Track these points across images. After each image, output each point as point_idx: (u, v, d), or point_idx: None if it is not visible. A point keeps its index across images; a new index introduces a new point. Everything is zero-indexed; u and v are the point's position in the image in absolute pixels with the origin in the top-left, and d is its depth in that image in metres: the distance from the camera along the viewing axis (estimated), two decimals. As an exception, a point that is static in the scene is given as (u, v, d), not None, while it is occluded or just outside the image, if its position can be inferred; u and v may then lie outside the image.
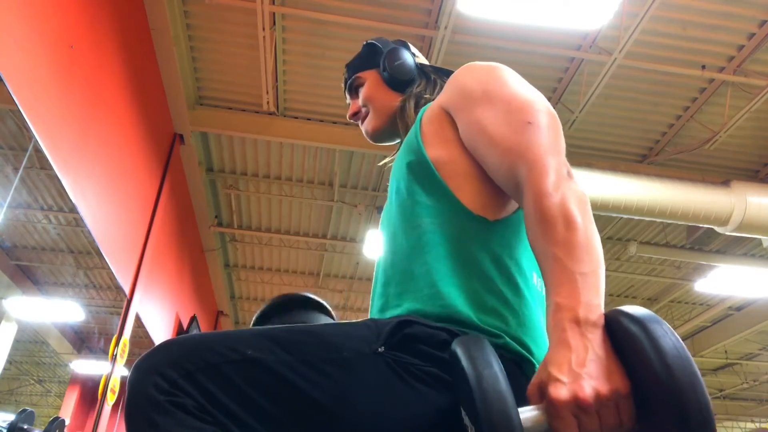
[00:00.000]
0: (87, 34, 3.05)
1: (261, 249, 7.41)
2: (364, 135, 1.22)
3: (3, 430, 3.65)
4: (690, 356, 0.60)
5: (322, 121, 5.09)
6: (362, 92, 1.21)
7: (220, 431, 0.70)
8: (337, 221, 6.67)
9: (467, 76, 0.94)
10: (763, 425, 12.81)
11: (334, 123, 5.09)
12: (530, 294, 0.88)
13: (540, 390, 0.65)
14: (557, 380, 0.63)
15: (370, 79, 1.20)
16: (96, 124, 3.30)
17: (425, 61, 1.23)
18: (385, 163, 1.23)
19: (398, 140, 1.20)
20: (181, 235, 5.72)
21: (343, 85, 1.28)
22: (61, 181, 2.87)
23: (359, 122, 1.23)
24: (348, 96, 1.26)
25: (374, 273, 1.02)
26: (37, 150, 2.67)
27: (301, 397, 0.73)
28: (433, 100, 1.08)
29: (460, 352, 0.67)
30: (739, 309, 8.13)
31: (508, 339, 0.81)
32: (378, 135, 1.20)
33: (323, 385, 0.74)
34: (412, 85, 1.16)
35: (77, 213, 3.15)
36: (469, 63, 0.98)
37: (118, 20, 3.44)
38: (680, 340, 0.61)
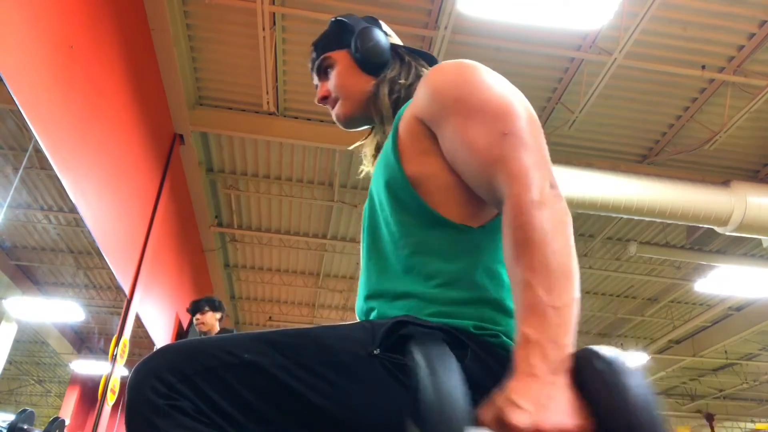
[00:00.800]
0: (87, 34, 3.05)
1: (261, 249, 7.42)
2: (335, 120, 1.14)
3: (3, 430, 3.65)
4: (654, 411, 0.59)
5: (322, 121, 5.09)
6: (332, 75, 1.12)
7: None
8: (337, 221, 6.67)
9: (438, 80, 0.88)
10: (764, 425, 12.80)
11: (334, 123, 5.07)
12: None
13: (495, 415, 0.64)
14: (520, 407, 0.61)
15: (340, 60, 1.11)
16: (96, 124, 3.30)
17: (398, 41, 1.15)
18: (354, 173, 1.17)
19: (371, 125, 1.14)
20: (181, 235, 5.72)
21: (309, 64, 1.18)
22: (61, 181, 2.87)
23: (328, 106, 1.14)
24: (316, 77, 1.16)
25: (361, 272, 1.00)
26: (37, 150, 2.67)
27: (297, 399, 0.74)
28: (408, 84, 1.04)
29: (418, 357, 0.67)
30: (739, 309, 8.13)
31: (504, 338, 0.81)
32: (350, 121, 1.12)
33: (319, 387, 0.74)
34: (386, 68, 1.07)
35: (77, 213, 3.15)
36: (439, 64, 0.92)
37: (118, 20, 3.44)
38: (650, 391, 0.60)
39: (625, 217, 4.98)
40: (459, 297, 0.83)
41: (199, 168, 5.48)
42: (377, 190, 0.95)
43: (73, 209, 3.24)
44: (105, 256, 3.61)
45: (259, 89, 4.58)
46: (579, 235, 6.60)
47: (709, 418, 12.13)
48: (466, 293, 0.84)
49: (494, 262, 0.86)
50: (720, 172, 5.49)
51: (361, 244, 1.01)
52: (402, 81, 1.05)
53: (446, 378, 0.64)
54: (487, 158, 0.79)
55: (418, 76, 1.06)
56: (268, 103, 4.56)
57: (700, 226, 5.35)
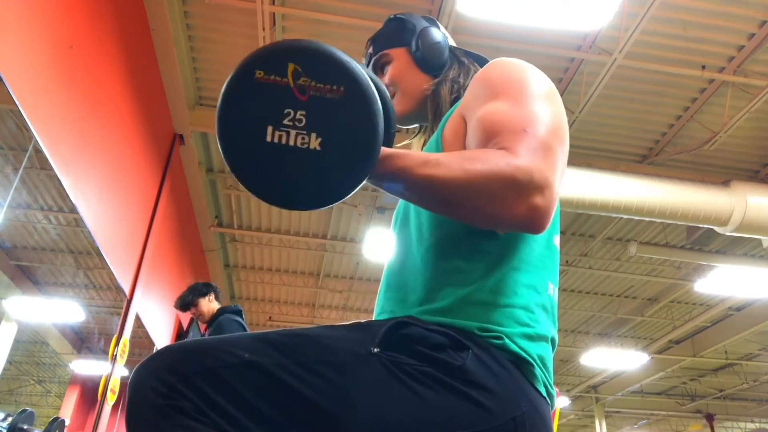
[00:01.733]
0: (87, 34, 3.05)
1: (261, 249, 7.42)
2: None
3: (3, 430, 3.65)
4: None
5: (322, 121, 5.08)
6: (389, 71, 1.12)
7: None
8: (337, 221, 6.67)
9: (492, 72, 0.91)
10: (764, 425, 12.81)
11: (334, 123, 5.08)
12: (538, 305, 0.87)
13: None
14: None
15: (399, 57, 1.12)
16: (96, 124, 3.30)
17: (454, 43, 1.16)
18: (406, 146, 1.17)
19: (423, 123, 1.15)
20: (181, 235, 5.72)
21: (365, 59, 1.18)
22: (61, 181, 2.87)
23: None
24: (371, 71, 1.17)
25: (384, 273, 1.01)
26: (37, 150, 2.67)
27: (297, 399, 0.74)
28: (465, 87, 1.05)
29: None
30: (739, 309, 8.13)
31: (507, 340, 0.81)
32: (406, 118, 1.12)
33: (319, 386, 0.74)
34: (445, 69, 1.09)
35: (77, 213, 3.15)
36: (495, 61, 0.95)
37: (118, 20, 3.44)
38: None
39: (625, 217, 4.98)
40: (470, 296, 0.84)
41: (199, 168, 5.48)
42: None
43: (73, 209, 3.23)
44: (105, 256, 3.61)
45: (259, 89, 4.57)
46: (579, 235, 6.60)
47: (709, 418, 12.13)
48: (478, 294, 0.84)
49: (511, 270, 0.86)
50: (720, 172, 5.49)
51: (393, 237, 1.02)
52: (461, 81, 1.07)
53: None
54: (493, 130, 0.80)
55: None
56: (268, 103, 4.56)
57: (700, 226, 5.35)
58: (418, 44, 1.10)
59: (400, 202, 1.03)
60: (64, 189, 2.93)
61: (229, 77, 0.73)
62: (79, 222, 6.08)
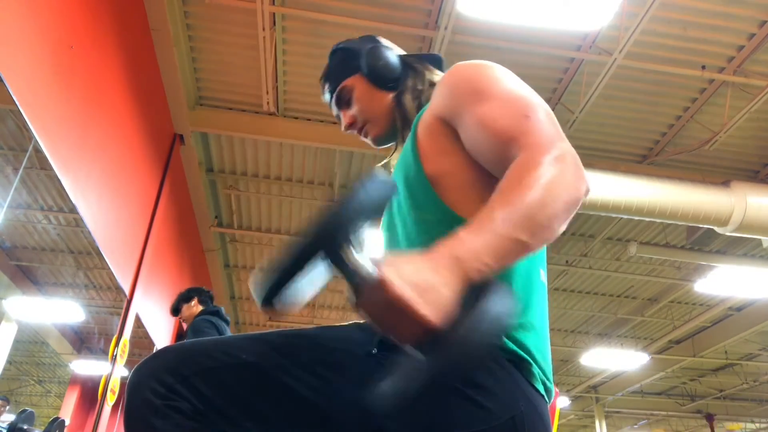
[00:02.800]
0: (87, 34, 3.05)
1: (261, 249, 7.41)
2: (370, 143, 1.16)
3: (3, 430, 3.65)
4: (493, 331, 0.60)
5: (322, 121, 5.09)
6: (354, 102, 1.13)
7: None
8: (337, 221, 6.66)
9: (457, 77, 0.90)
10: (764, 426, 12.80)
11: (334, 123, 5.09)
12: (532, 292, 0.88)
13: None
14: (394, 261, 0.62)
15: (356, 85, 1.13)
16: (96, 124, 3.30)
17: (401, 51, 1.17)
18: (385, 164, 1.19)
19: (398, 137, 1.15)
20: (181, 235, 5.72)
21: (326, 98, 1.19)
22: (61, 181, 2.87)
23: (357, 132, 1.16)
24: (336, 108, 1.17)
25: None
26: (37, 150, 2.67)
27: (295, 399, 0.74)
28: (426, 90, 1.07)
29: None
30: (739, 309, 8.13)
31: (507, 341, 0.81)
32: (383, 139, 1.14)
33: (317, 387, 0.75)
34: (401, 80, 1.10)
35: (77, 213, 3.15)
36: (456, 64, 0.94)
37: (118, 20, 3.44)
38: (500, 319, 0.60)
39: (625, 217, 4.98)
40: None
41: (199, 168, 5.48)
42: (398, 186, 0.96)
43: (73, 209, 3.23)
44: (105, 257, 3.61)
45: (259, 89, 4.58)
46: (579, 236, 6.60)
47: (709, 418, 12.13)
48: None
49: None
50: (720, 172, 5.49)
51: (383, 238, 1.02)
52: (420, 87, 1.08)
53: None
54: (508, 135, 0.79)
55: (431, 82, 1.09)
56: (268, 103, 4.56)
57: (700, 226, 5.35)
58: (369, 66, 1.11)
59: (384, 213, 1.02)
60: (64, 189, 2.93)
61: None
62: (79, 222, 6.08)
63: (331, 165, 5.70)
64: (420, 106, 1.06)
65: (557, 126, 0.80)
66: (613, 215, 4.96)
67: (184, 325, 3.66)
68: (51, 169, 2.76)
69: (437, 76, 1.11)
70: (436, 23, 4.06)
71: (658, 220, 4.93)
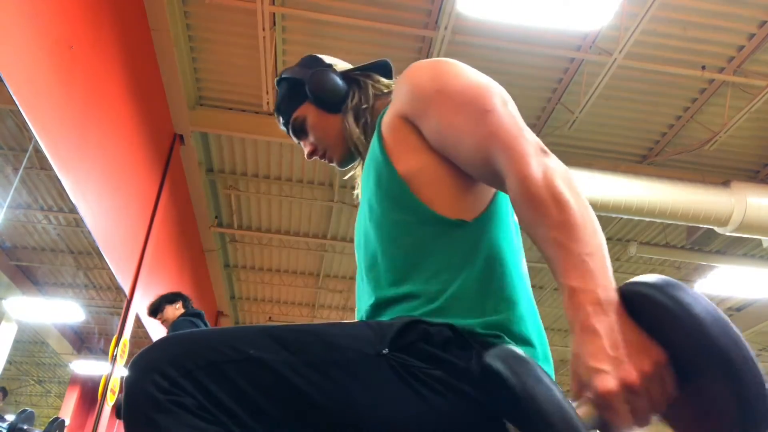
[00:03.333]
0: (87, 34, 3.05)
1: (261, 249, 7.41)
2: (335, 166, 1.17)
3: (3, 430, 3.65)
4: (721, 313, 0.59)
5: (322, 121, 5.09)
6: (308, 129, 1.15)
7: (222, 431, 0.69)
8: (338, 222, 6.67)
9: (416, 76, 0.91)
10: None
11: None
12: (521, 282, 0.88)
13: (580, 385, 0.63)
14: (600, 371, 0.60)
15: (308, 113, 1.14)
16: (96, 124, 3.30)
17: (346, 65, 1.17)
18: (351, 176, 1.19)
19: (358, 156, 1.15)
20: (181, 235, 5.72)
21: (283, 129, 1.20)
22: (61, 181, 2.87)
23: (320, 158, 1.17)
24: (295, 138, 1.19)
25: (358, 272, 1.00)
26: (37, 150, 2.67)
27: (302, 398, 0.72)
28: (372, 104, 1.08)
29: (502, 369, 0.64)
30: (738, 309, 8.13)
31: (507, 338, 0.81)
32: (346, 161, 1.15)
33: (325, 386, 0.73)
34: (347, 100, 1.10)
35: (77, 213, 3.15)
36: (413, 63, 0.94)
37: (118, 20, 3.44)
38: (707, 299, 0.60)
39: (625, 217, 4.98)
40: (460, 293, 0.83)
41: (199, 168, 5.48)
42: (367, 196, 0.96)
43: (73, 209, 3.23)
44: (105, 257, 3.61)
45: (259, 89, 4.58)
46: (579, 236, 6.59)
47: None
48: (466, 289, 0.83)
49: (493, 253, 0.86)
50: (720, 173, 5.49)
51: (357, 260, 1.01)
52: (365, 105, 1.09)
53: (539, 383, 0.61)
54: (477, 137, 0.81)
55: (377, 94, 1.10)
56: (268, 103, 4.56)
57: (700, 226, 5.35)
58: (312, 93, 1.11)
59: (359, 212, 1.01)
60: (64, 189, 2.93)
61: None
62: (79, 222, 6.07)
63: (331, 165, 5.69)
64: (366, 124, 1.07)
65: (514, 113, 0.82)
66: (613, 215, 4.95)
67: (164, 327, 3.64)
68: (51, 169, 2.76)
69: (385, 85, 1.12)
70: (436, 23, 4.06)
71: (658, 220, 4.93)
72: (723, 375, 0.57)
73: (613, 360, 0.60)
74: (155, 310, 3.62)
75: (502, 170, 0.78)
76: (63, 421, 3.90)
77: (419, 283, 0.85)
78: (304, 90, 1.13)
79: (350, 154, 1.13)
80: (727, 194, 4.76)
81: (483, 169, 0.82)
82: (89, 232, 3.35)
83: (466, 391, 0.74)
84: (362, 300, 0.96)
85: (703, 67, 4.36)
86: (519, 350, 0.66)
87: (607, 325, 0.62)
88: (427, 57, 4.31)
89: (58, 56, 2.72)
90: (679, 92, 4.69)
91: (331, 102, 1.10)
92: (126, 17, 3.58)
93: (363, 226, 0.98)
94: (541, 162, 0.75)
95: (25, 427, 3.56)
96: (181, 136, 4.88)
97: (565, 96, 4.69)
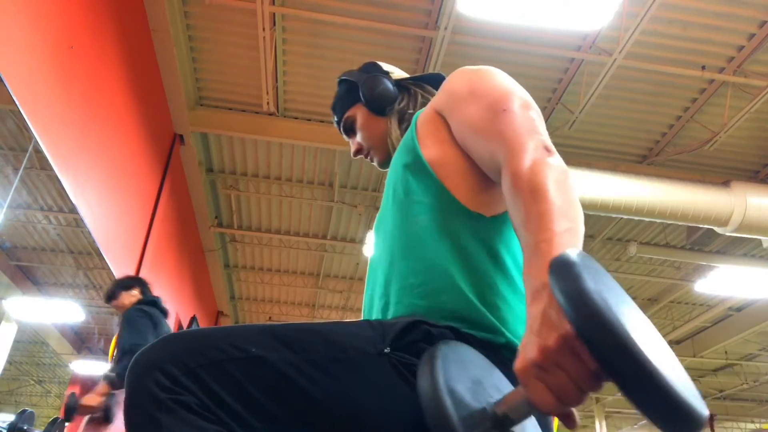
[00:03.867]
0: (87, 34, 3.05)
1: (261, 249, 7.42)
2: (378, 167, 1.24)
3: (3, 430, 3.65)
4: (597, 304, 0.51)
5: (322, 121, 5.09)
6: (357, 129, 1.22)
7: (225, 431, 0.69)
8: (337, 222, 6.67)
9: (457, 79, 0.96)
10: (764, 426, 12.80)
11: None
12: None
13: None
14: (519, 354, 0.60)
15: (358, 114, 1.21)
16: (96, 124, 3.30)
17: (402, 74, 1.24)
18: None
19: None
20: (181, 235, 5.72)
21: (336, 127, 1.29)
22: (61, 182, 2.87)
23: (365, 158, 1.25)
24: (345, 136, 1.27)
25: (368, 273, 1.02)
26: (37, 150, 2.67)
27: (305, 397, 0.72)
28: (415, 111, 1.12)
29: (421, 365, 0.67)
30: (739, 309, 8.13)
31: (510, 337, 0.81)
32: (387, 163, 1.20)
33: (327, 385, 0.73)
34: (394, 104, 1.18)
35: (77, 213, 3.15)
36: (460, 68, 1.00)
37: (118, 21, 3.44)
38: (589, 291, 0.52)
39: (625, 217, 4.98)
40: (470, 288, 0.84)
41: (199, 168, 5.48)
42: (393, 180, 1.00)
43: (73, 209, 3.23)
44: (105, 257, 3.61)
45: (259, 89, 4.58)
46: (579, 236, 6.59)
47: (710, 418, 12.12)
48: (475, 285, 0.84)
49: (503, 253, 0.88)
50: (720, 173, 5.49)
51: (375, 242, 1.04)
52: (410, 111, 1.16)
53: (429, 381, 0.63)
54: (488, 134, 0.85)
55: (424, 102, 1.16)
56: (268, 103, 4.56)
57: (700, 226, 5.35)
58: (365, 96, 1.18)
59: (382, 204, 1.04)
60: (64, 189, 2.93)
61: None
62: (79, 222, 6.07)
63: (331, 165, 5.70)
64: (408, 128, 1.10)
65: (533, 116, 0.84)
66: (613, 215, 4.96)
67: (120, 311, 3.36)
68: (51, 169, 2.76)
69: (434, 95, 1.17)
70: (436, 23, 4.06)
71: (658, 220, 4.93)
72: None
73: (527, 339, 0.60)
74: (109, 297, 3.37)
75: (501, 165, 0.80)
76: (63, 422, 3.89)
77: (426, 262, 0.88)
78: (357, 92, 1.20)
79: (391, 156, 1.18)
80: (727, 194, 4.76)
81: (490, 165, 0.85)
82: (89, 232, 3.35)
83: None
84: (374, 277, 0.99)
85: (703, 67, 4.36)
86: (440, 349, 0.67)
87: (539, 308, 0.60)
88: (427, 57, 4.31)
89: (58, 56, 2.72)
90: (679, 92, 4.69)
91: (379, 106, 1.18)
92: (126, 17, 3.58)
93: (384, 209, 1.02)
94: (535, 157, 0.75)
95: (25, 427, 3.56)
96: (181, 136, 4.88)
97: (565, 96, 4.69)
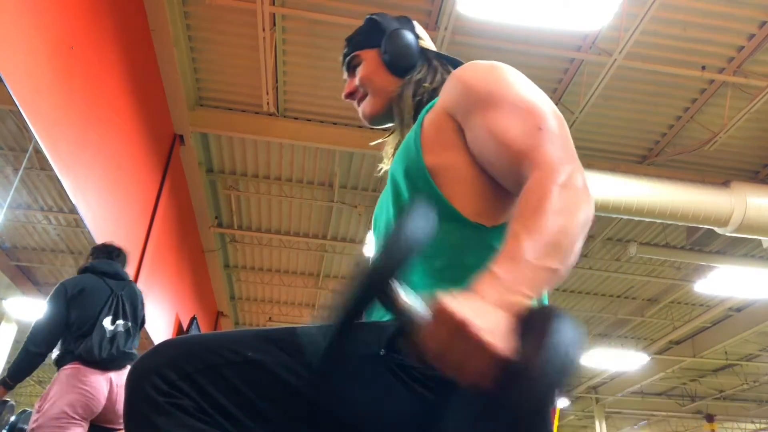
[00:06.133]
0: (87, 35, 3.05)
1: (261, 250, 7.41)
2: (361, 116, 1.16)
3: (3, 430, 3.65)
4: (572, 360, 0.57)
5: (322, 121, 5.09)
6: (359, 72, 1.13)
7: None
8: (337, 222, 6.67)
9: (470, 75, 0.90)
10: (764, 426, 12.80)
11: (334, 124, 5.09)
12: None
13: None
14: (454, 296, 0.61)
15: (369, 59, 1.13)
16: (96, 124, 3.30)
17: (430, 44, 1.16)
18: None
19: (393, 124, 1.15)
20: (181, 235, 5.72)
21: (341, 58, 1.20)
22: (61, 182, 2.87)
23: (354, 102, 1.17)
24: (345, 72, 1.19)
25: None
26: (37, 150, 2.67)
27: (300, 399, 0.73)
28: (433, 88, 1.06)
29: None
30: (739, 310, 8.13)
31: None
32: (375, 119, 1.14)
33: (323, 387, 0.73)
34: (413, 71, 1.09)
35: (77, 213, 3.15)
36: (471, 62, 0.94)
37: (119, 21, 3.44)
38: (573, 344, 0.57)
39: (625, 217, 4.98)
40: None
41: (199, 168, 5.48)
42: (395, 180, 0.96)
43: (73, 210, 3.24)
44: (105, 257, 3.60)
45: (259, 90, 4.58)
46: (579, 236, 6.59)
47: (710, 418, 12.13)
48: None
49: None
50: (720, 173, 5.49)
51: (375, 237, 1.02)
52: (426, 84, 1.07)
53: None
54: (519, 147, 0.79)
55: (443, 81, 1.07)
56: (268, 103, 4.56)
57: (700, 226, 5.35)
58: (386, 46, 1.10)
59: (383, 193, 1.02)
60: (64, 189, 2.93)
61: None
62: (79, 222, 6.08)
63: (331, 165, 5.70)
64: (420, 102, 1.05)
65: (567, 138, 0.80)
66: (613, 215, 4.96)
67: None
68: (51, 169, 2.76)
69: None
70: (436, 23, 4.06)
71: (658, 221, 4.93)
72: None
73: (468, 300, 0.61)
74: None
75: (528, 179, 0.76)
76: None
77: (425, 274, 0.86)
78: (380, 38, 1.12)
79: (383, 115, 1.12)
80: (727, 194, 4.76)
81: (512, 177, 0.81)
82: (89, 233, 3.35)
83: (464, 390, 0.74)
84: None
85: (703, 68, 4.36)
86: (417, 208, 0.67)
87: (489, 304, 0.61)
88: (427, 57, 4.32)
89: (58, 56, 2.72)
90: (679, 92, 4.69)
91: (395, 62, 1.09)
92: (126, 17, 3.58)
93: (385, 207, 0.99)
94: (568, 185, 0.72)
95: (25, 427, 3.56)
96: (181, 137, 4.88)
97: (565, 96, 4.69)
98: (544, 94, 0.87)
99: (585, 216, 0.72)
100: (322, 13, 4.02)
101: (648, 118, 4.97)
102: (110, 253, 3.04)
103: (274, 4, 3.95)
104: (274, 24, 4.13)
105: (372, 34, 1.14)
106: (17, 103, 2.35)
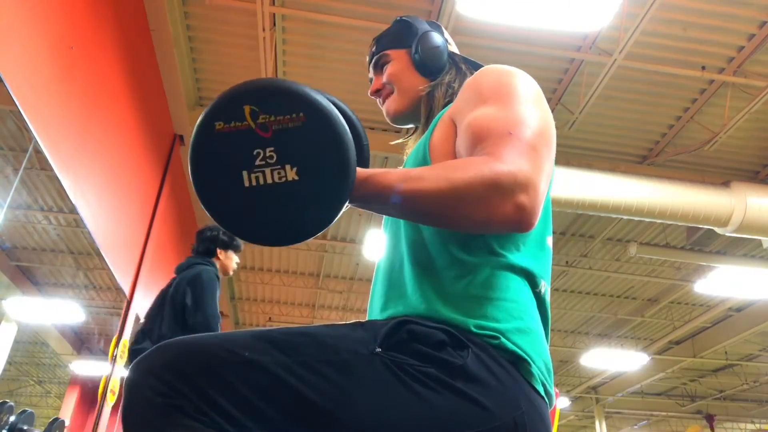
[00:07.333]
0: (87, 35, 3.05)
1: (261, 250, 7.41)
2: (384, 114, 1.18)
3: (3, 430, 3.65)
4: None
5: (322, 121, 5.08)
6: (388, 69, 1.16)
7: None
8: (337, 222, 6.65)
9: (478, 80, 0.94)
10: (764, 426, 12.80)
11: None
12: (530, 300, 0.88)
13: None
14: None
15: (398, 58, 1.15)
16: (96, 124, 3.30)
17: (456, 50, 1.19)
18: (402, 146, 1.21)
19: (417, 124, 1.17)
20: (181, 235, 5.72)
21: (368, 58, 1.22)
22: (61, 182, 2.87)
23: (379, 100, 1.19)
24: (371, 71, 1.21)
25: (374, 273, 1.03)
26: (37, 151, 2.67)
27: (298, 398, 0.73)
28: (458, 92, 1.08)
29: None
30: (739, 310, 8.13)
31: (503, 339, 0.81)
32: (399, 117, 1.16)
33: (320, 386, 0.74)
34: (441, 73, 1.12)
35: (77, 214, 3.15)
36: (485, 67, 0.97)
37: (119, 21, 3.44)
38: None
39: (625, 217, 4.98)
40: (463, 291, 0.85)
41: (199, 168, 5.48)
42: None
43: (73, 210, 3.23)
44: (105, 257, 3.60)
45: (259, 90, 4.57)
46: (579, 236, 6.60)
47: (709, 419, 12.13)
48: (470, 289, 0.85)
49: (510, 265, 0.88)
50: (720, 173, 5.49)
51: (385, 238, 1.04)
52: (455, 86, 1.10)
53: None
54: (482, 137, 0.83)
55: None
56: (268, 103, 4.56)
57: (700, 226, 5.35)
58: (417, 47, 1.12)
59: None
60: (64, 189, 2.93)
61: (192, 136, 0.75)
62: (79, 222, 6.07)
63: (331, 165, 5.69)
64: (449, 104, 1.08)
65: (537, 153, 0.81)
66: (613, 216, 4.96)
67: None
68: (51, 169, 2.76)
69: None
70: (436, 24, 4.06)
71: (658, 221, 4.93)
72: None
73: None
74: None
75: (472, 153, 0.83)
76: (63, 422, 3.90)
77: (432, 272, 0.88)
78: (411, 40, 1.14)
79: (408, 115, 1.15)
80: (727, 195, 4.76)
81: (467, 153, 0.86)
82: (89, 233, 3.35)
83: (461, 388, 0.75)
84: (378, 275, 1.00)
85: (703, 68, 4.36)
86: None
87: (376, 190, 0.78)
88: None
89: (58, 56, 2.72)
90: (679, 92, 4.69)
91: (426, 63, 1.12)
92: (126, 17, 3.58)
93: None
94: (495, 177, 0.76)
95: (25, 428, 3.57)
96: (181, 137, 4.88)
97: (565, 96, 4.69)
98: (547, 112, 0.89)
99: (472, 189, 0.76)
100: (322, 13, 4.02)
101: (648, 118, 4.97)
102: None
103: (274, 4, 3.95)
104: (274, 24, 4.13)
105: (403, 35, 1.16)
106: (17, 103, 2.35)
